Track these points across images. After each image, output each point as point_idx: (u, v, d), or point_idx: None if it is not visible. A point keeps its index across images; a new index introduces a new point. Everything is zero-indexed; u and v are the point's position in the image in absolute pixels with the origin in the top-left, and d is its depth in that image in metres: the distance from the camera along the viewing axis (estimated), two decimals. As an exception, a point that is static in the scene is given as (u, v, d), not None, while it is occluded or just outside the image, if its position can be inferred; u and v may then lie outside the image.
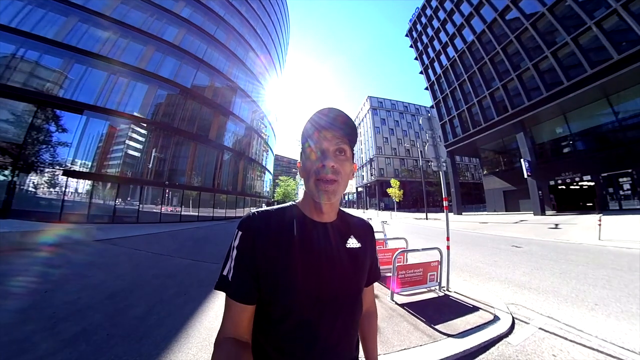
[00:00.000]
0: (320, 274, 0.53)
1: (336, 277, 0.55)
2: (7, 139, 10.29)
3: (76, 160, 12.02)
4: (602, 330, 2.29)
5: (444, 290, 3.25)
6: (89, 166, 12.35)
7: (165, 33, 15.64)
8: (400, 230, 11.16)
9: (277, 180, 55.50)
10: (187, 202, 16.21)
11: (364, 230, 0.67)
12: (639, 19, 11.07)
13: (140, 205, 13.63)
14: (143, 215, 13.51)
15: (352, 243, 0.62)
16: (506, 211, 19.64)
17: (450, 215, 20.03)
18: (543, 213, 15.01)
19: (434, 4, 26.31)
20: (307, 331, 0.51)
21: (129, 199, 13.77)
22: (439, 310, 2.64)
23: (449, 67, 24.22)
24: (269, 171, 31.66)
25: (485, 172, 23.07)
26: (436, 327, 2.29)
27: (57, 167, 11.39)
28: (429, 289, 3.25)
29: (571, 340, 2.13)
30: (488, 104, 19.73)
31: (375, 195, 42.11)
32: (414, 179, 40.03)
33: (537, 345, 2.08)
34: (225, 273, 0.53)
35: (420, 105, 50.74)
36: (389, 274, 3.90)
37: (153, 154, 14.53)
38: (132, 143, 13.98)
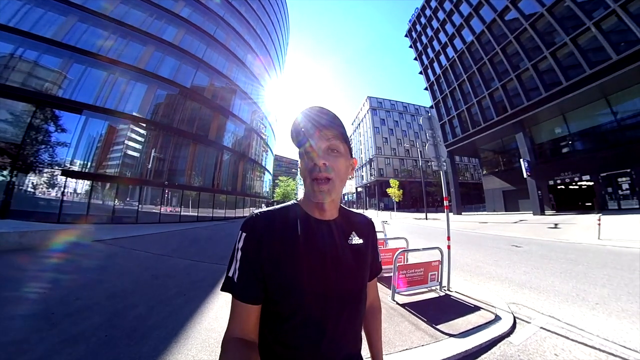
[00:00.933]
0: (326, 272, 0.54)
1: (341, 274, 0.55)
2: (6, 139, 10.24)
3: (75, 160, 11.98)
4: (604, 329, 2.28)
5: (444, 290, 3.24)
6: (88, 166, 12.31)
7: (164, 33, 15.61)
8: (400, 230, 11.15)
9: (276, 181, 55.48)
10: (186, 202, 16.17)
11: (365, 226, 0.68)
12: (638, 20, 11.11)
13: (140, 206, 13.59)
14: (142, 216, 13.46)
15: (355, 239, 0.62)
16: (506, 211, 19.68)
17: (450, 215, 19.97)
18: (542, 213, 15.04)
19: (433, 4, 26.37)
20: (313, 328, 0.51)
21: (128, 199, 13.72)
22: (440, 310, 2.64)
23: (449, 68, 24.27)
24: (268, 171, 31.63)
25: (484, 172, 23.11)
26: (438, 327, 2.28)
27: (56, 167, 11.35)
28: (429, 288, 3.24)
29: (573, 340, 2.12)
30: (487, 104, 19.78)
31: (375, 195, 42.13)
32: (413, 179, 40.06)
33: (539, 345, 2.07)
34: (230, 274, 0.53)
35: (419, 106, 50.83)
36: (388, 274, 3.90)
37: (152, 154, 14.50)
38: (131, 143, 13.94)
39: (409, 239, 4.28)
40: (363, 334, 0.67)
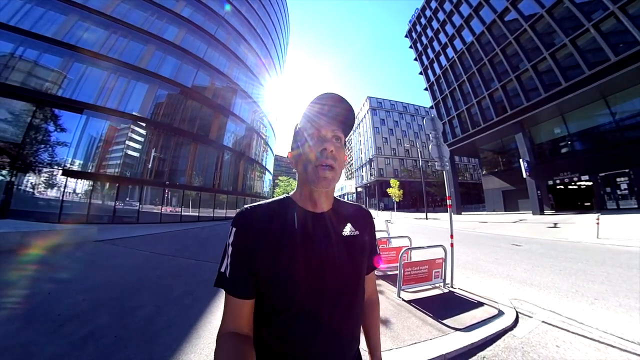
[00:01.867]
0: (319, 264, 0.53)
1: (336, 266, 0.54)
2: (6, 138, 10.22)
3: (75, 160, 11.96)
4: (602, 323, 2.36)
5: (448, 287, 3.30)
6: (89, 166, 12.31)
7: (165, 32, 15.61)
8: (401, 230, 11.22)
9: (276, 181, 55.50)
10: (187, 202, 16.17)
11: (361, 217, 0.66)
12: (636, 22, 11.23)
13: (140, 206, 13.58)
14: (143, 216, 13.47)
15: (349, 231, 0.61)
16: (505, 211, 19.79)
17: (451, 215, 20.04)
18: (542, 212, 15.16)
19: (433, 5, 26.47)
20: (308, 321, 0.50)
21: (128, 199, 13.72)
22: (445, 306, 2.70)
23: (449, 68, 24.37)
24: (269, 171, 31.63)
25: (484, 172, 23.22)
26: (444, 321, 2.34)
27: (56, 167, 11.33)
28: (433, 285, 3.30)
29: (573, 332, 2.21)
30: (487, 105, 19.89)
31: (375, 195, 42.23)
32: (413, 179, 40.17)
33: (541, 337, 2.14)
34: (222, 270, 0.53)
35: (419, 106, 50.96)
36: (392, 272, 3.96)
37: (153, 154, 14.50)
38: (132, 143, 13.94)
39: (411, 238, 4.34)
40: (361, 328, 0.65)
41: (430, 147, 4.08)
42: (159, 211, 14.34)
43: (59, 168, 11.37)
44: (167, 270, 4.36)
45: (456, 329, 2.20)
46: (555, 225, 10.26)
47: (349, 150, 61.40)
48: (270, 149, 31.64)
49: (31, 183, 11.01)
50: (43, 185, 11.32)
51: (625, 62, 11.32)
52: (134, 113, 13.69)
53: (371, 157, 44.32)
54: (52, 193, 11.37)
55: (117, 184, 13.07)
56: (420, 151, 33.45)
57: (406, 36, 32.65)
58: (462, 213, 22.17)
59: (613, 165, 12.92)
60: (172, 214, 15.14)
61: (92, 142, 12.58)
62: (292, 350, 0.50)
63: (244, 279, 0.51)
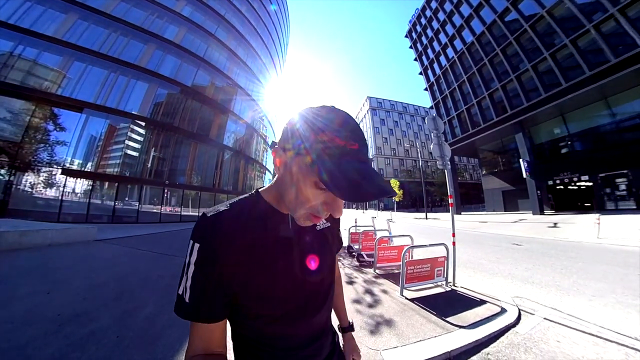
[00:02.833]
0: (303, 265, 0.50)
1: (317, 264, 0.52)
2: (4, 137, 10.18)
3: (75, 159, 11.93)
4: (601, 319, 2.42)
5: (450, 285, 3.31)
6: (88, 165, 12.27)
7: (165, 31, 15.58)
8: (402, 229, 11.23)
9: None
10: (187, 202, 16.15)
11: None
12: (635, 24, 11.28)
13: (140, 205, 13.56)
14: (143, 216, 13.44)
15: (323, 224, 0.59)
16: (505, 211, 19.84)
17: (450, 214, 20.10)
18: (542, 212, 15.20)
19: (433, 5, 26.51)
20: (292, 319, 0.49)
21: (127, 199, 13.69)
22: (448, 304, 2.71)
23: (449, 68, 24.42)
24: (269, 170, 31.63)
25: (484, 172, 23.28)
26: (447, 319, 2.35)
27: (56, 167, 11.30)
28: (436, 284, 3.30)
29: (574, 328, 2.25)
30: (487, 105, 19.93)
31: (375, 195, 42.19)
32: (413, 179, 40.25)
33: (543, 333, 2.18)
34: (180, 292, 0.44)
35: (419, 106, 51.05)
36: (396, 271, 3.97)
37: (153, 153, 14.47)
38: (131, 142, 13.91)
39: (412, 237, 4.34)
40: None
41: (431, 146, 4.09)
42: (159, 211, 14.31)
43: (58, 167, 11.33)
44: (168, 270, 4.34)
45: (460, 327, 2.21)
46: (555, 225, 10.30)
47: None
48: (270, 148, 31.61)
49: (30, 182, 10.97)
50: (42, 184, 11.28)
51: (625, 64, 11.36)
52: (133, 112, 13.66)
53: (371, 158, 44.35)
54: (51, 192, 11.33)
55: (116, 184, 13.04)
56: (420, 151, 33.50)
57: (406, 36, 32.69)
58: (462, 213, 22.22)
59: (612, 166, 12.97)
60: (172, 213, 15.11)
61: (92, 142, 12.55)
62: (278, 344, 0.49)
63: (210, 303, 0.43)
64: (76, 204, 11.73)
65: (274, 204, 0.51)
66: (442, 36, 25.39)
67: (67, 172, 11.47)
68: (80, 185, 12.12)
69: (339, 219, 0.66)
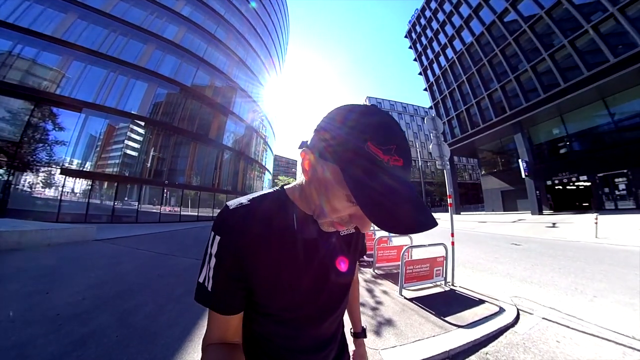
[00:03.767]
0: (323, 269, 0.50)
1: (336, 268, 0.52)
2: (3, 137, 10.16)
3: (74, 159, 11.91)
4: (601, 319, 2.42)
5: (449, 285, 3.32)
6: (88, 165, 12.25)
7: (165, 31, 15.57)
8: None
9: (276, 180, 55.52)
10: (186, 202, 16.14)
11: None
12: (635, 23, 11.32)
13: (139, 205, 13.54)
14: (142, 215, 13.42)
15: (347, 229, 0.55)
16: (504, 211, 19.89)
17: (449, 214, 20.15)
18: (541, 212, 15.24)
19: (433, 5, 26.55)
20: (308, 321, 0.49)
21: (127, 198, 13.67)
22: (447, 304, 2.71)
23: (448, 69, 24.46)
24: (268, 171, 31.61)
25: (483, 172, 23.32)
26: (446, 319, 2.35)
27: (55, 166, 11.28)
28: (435, 283, 3.31)
29: (573, 328, 2.25)
30: (486, 105, 19.98)
31: (374, 195, 42.20)
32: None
33: (542, 333, 2.18)
34: (201, 281, 0.44)
35: (418, 106, 51.12)
36: (394, 271, 3.97)
37: (152, 153, 14.45)
38: (131, 142, 13.89)
39: (412, 237, 4.35)
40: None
41: (430, 146, 4.10)
42: (158, 211, 14.30)
43: (58, 167, 11.31)
44: (168, 270, 4.34)
45: (459, 326, 2.21)
46: (554, 225, 10.32)
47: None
48: (270, 148, 31.62)
49: (29, 182, 10.95)
50: (41, 184, 11.26)
51: (624, 64, 11.40)
52: (133, 112, 13.64)
53: (370, 157, 44.34)
54: (50, 192, 11.31)
55: (115, 183, 13.02)
56: (420, 151, 33.55)
57: (406, 36, 32.74)
58: (461, 213, 22.26)
59: (611, 165, 13.01)
60: (172, 213, 15.10)
61: (91, 141, 12.53)
62: (287, 345, 0.49)
63: (230, 296, 0.43)
64: (75, 203, 11.71)
65: (299, 203, 0.48)
66: (441, 36, 25.44)
67: (66, 171, 11.45)
68: (80, 185, 12.09)
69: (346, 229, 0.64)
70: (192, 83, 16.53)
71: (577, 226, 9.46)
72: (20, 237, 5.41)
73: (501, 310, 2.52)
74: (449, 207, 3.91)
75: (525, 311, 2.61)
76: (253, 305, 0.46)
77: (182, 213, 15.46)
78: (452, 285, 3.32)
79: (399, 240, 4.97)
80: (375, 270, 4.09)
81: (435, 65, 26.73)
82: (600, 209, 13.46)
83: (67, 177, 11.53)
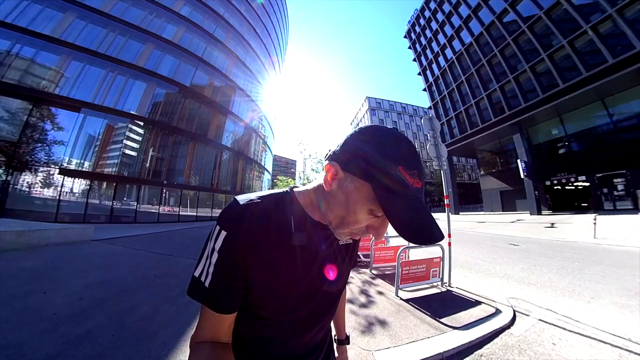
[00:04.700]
0: (320, 277, 0.50)
1: (332, 277, 0.52)
2: (2, 137, 10.14)
3: (73, 159, 11.88)
4: (598, 321, 2.40)
5: (446, 286, 3.31)
6: (86, 165, 12.23)
7: (164, 31, 15.55)
8: (399, 230, 11.21)
9: (275, 180, 55.48)
10: (185, 202, 16.11)
11: None
12: (633, 25, 11.34)
13: (138, 205, 13.52)
14: (141, 216, 13.40)
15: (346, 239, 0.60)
16: (503, 211, 19.91)
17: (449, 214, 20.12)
18: (539, 213, 15.27)
19: (432, 6, 26.58)
20: (299, 325, 0.49)
21: (125, 198, 13.64)
22: (443, 305, 2.70)
23: (447, 69, 24.48)
24: (267, 171, 31.60)
25: (482, 172, 23.35)
26: (441, 320, 2.34)
27: (53, 166, 11.25)
28: (431, 284, 3.31)
29: (569, 330, 2.24)
30: (485, 106, 20.00)
31: (374, 195, 42.25)
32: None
33: (538, 335, 2.16)
34: (197, 275, 0.43)
35: (418, 106, 51.17)
36: (388, 272, 3.97)
37: (151, 153, 14.43)
38: (129, 142, 13.86)
39: (410, 236, 4.34)
40: None
41: (428, 146, 4.09)
42: (157, 211, 14.27)
43: (56, 167, 11.29)
44: (165, 270, 4.33)
45: (454, 328, 2.20)
46: (552, 225, 10.33)
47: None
48: (269, 148, 31.61)
49: (27, 182, 10.92)
50: (39, 184, 11.23)
51: (622, 65, 11.42)
52: (131, 112, 13.62)
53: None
54: (48, 192, 11.28)
55: (114, 183, 12.99)
56: (419, 151, 33.54)
57: (405, 37, 32.76)
58: (460, 213, 22.28)
59: (610, 166, 13.03)
60: (170, 213, 15.07)
61: (90, 141, 12.51)
62: (274, 350, 0.49)
63: (228, 294, 0.42)
64: (74, 203, 11.68)
65: (309, 210, 0.49)
66: (440, 37, 25.46)
67: (65, 171, 11.43)
68: (78, 185, 12.06)
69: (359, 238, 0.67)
70: (191, 83, 16.51)
71: (576, 226, 9.46)
72: (18, 237, 5.39)
73: (497, 312, 2.52)
74: (446, 208, 3.90)
75: (522, 313, 2.60)
76: (246, 305, 0.46)
77: (180, 213, 15.44)
78: (449, 286, 3.32)
79: (396, 241, 4.96)
80: (373, 271, 4.08)
81: (434, 66, 26.75)
82: (599, 209, 13.48)
83: (66, 177, 11.51)
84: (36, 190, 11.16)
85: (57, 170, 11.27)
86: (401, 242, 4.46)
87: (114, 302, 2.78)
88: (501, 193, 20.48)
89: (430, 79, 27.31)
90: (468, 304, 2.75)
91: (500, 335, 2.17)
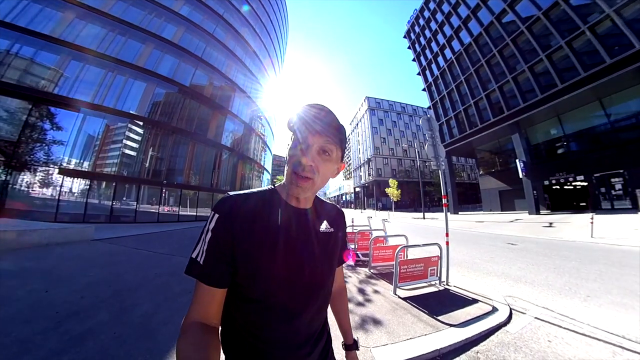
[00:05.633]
0: (299, 260, 0.55)
1: (312, 262, 0.56)
2: (1, 136, 10.12)
3: (72, 158, 11.87)
4: (594, 319, 2.43)
5: (443, 285, 3.34)
6: (86, 165, 12.22)
7: (164, 31, 15.54)
8: (398, 229, 11.28)
9: (274, 180, 55.47)
10: (184, 201, 16.11)
11: (336, 215, 0.70)
12: (631, 25, 11.39)
13: (138, 205, 13.52)
14: (140, 215, 13.40)
15: (325, 227, 0.64)
16: (502, 211, 19.96)
17: (447, 214, 20.11)
18: (538, 212, 15.32)
19: (431, 6, 26.60)
20: (285, 311, 0.52)
21: (125, 198, 13.64)
22: (440, 303, 2.74)
23: (446, 69, 24.51)
24: (267, 170, 31.60)
25: (481, 172, 23.40)
26: (438, 318, 2.38)
27: (53, 166, 11.24)
28: (429, 283, 3.34)
29: (565, 328, 2.26)
30: (484, 106, 20.04)
31: (373, 195, 42.35)
32: (411, 179, 40.36)
33: (534, 333, 2.20)
34: (194, 256, 0.50)
35: (417, 106, 51.17)
36: (388, 271, 4.00)
37: (150, 153, 14.42)
38: (129, 142, 13.85)
39: (408, 237, 4.38)
40: (330, 311, 0.71)
41: (426, 146, 4.13)
42: (157, 211, 14.27)
43: (55, 167, 11.28)
44: (165, 269, 4.36)
45: (451, 325, 2.24)
46: (550, 225, 10.39)
47: (347, 150, 61.42)
48: (269, 148, 31.61)
49: (27, 182, 10.91)
50: (39, 184, 11.22)
51: (620, 64, 11.47)
52: (131, 111, 13.61)
53: (369, 157, 44.42)
54: (48, 192, 11.27)
55: (114, 183, 12.98)
56: (418, 151, 33.60)
57: (405, 37, 32.78)
58: (459, 213, 22.33)
59: (608, 166, 13.09)
60: (170, 213, 15.07)
61: (89, 141, 12.49)
62: (263, 337, 0.51)
63: (219, 268, 0.49)
64: (73, 203, 11.67)
65: (284, 196, 0.59)
66: (440, 37, 25.49)
67: (64, 171, 11.42)
68: (78, 184, 12.06)
69: (343, 224, 0.72)
70: (190, 83, 16.50)
71: (574, 226, 9.51)
72: (18, 237, 5.40)
73: (494, 310, 2.55)
74: (444, 208, 3.94)
75: (518, 311, 2.64)
76: (235, 288, 0.51)
77: (180, 213, 15.44)
78: (447, 284, 3.35)
79: (395, 240, 5.00)
80: (371, 270, 4.11)
81: (433, 66, 26.78)
82: (597, 208, 13.55)
83: (65, 176, 11.50)
84: (36, 190, 11.15)
85: (57, 170, 11.27)
86: (400, 241, 4.49)
87: (115, 301, 2.81)
88: (500, 193, 20.53)
89: (430, 79, 27.34)
90: (465, 302, 2.78)
91: (497, 333, 2.20)
